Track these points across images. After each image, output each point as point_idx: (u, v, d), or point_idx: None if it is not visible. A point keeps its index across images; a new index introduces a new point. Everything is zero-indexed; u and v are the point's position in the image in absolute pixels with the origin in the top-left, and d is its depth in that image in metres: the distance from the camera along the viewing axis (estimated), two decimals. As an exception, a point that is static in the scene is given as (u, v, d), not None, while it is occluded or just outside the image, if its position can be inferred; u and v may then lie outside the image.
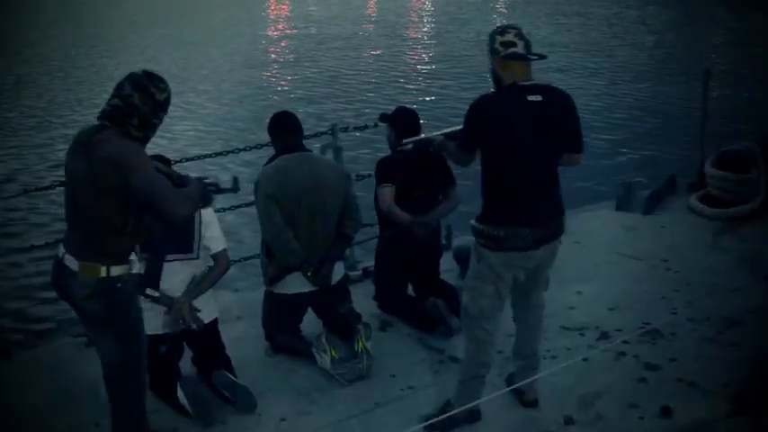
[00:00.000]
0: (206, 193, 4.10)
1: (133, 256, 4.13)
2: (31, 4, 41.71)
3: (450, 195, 6.15)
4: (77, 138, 3.91)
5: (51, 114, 18.00)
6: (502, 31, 4.38)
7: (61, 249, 4.01)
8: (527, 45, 4.33)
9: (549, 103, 4.29)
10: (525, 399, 4.96)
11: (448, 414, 4.37)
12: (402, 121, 6.15)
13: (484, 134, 4.31)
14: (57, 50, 27.28)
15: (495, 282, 4.47)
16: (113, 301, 3.96)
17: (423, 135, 5.24)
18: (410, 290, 6.41)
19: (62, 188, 4.26)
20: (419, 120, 6.16)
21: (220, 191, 4.27)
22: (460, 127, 4.50)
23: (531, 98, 4.24)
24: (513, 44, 4.30)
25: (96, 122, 3.91)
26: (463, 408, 4.41)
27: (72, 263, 3.92)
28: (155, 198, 3.73)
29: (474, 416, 4.76)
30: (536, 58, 4.35)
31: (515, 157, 4.28)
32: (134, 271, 4.10)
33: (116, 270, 3.92)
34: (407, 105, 6.48)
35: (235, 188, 4.35)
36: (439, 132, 4.93)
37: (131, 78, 3.93)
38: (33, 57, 25.98)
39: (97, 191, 3.77)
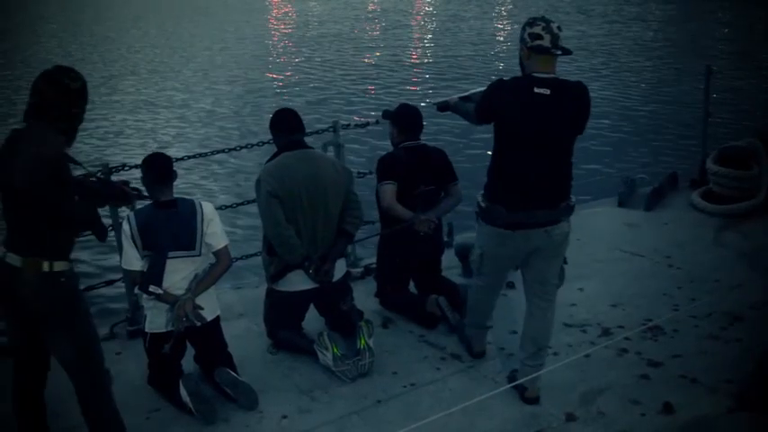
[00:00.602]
0: (120, 194, 4.36)
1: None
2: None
3: (452, 192, 6.15)
4: (6, 139, 3.99)
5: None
6: (532, 22, 4.50)
7: (2, 249, 4.05)
8: (554, 39, 4.43)
9: (558, 97, 4.43)
10: (527, 395, 4.98)
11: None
12: (404, 118, 6.15)
13: (494, 112, 4.59)
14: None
15: (482, 248, 4.92)
16: (58, 296, 4.02)
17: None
18: (412, 287, 6.41)
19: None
20: (421, 117, 6.16)
21: (142, 197, 4.62)
22: (478, 89, 4.87)
23: (537, 90, 4.41)
24: (539, 37, 4.43)
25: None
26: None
27: (13, 259, 3.97)
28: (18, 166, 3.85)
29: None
30: (560, 53, 4.46)
31: (511, 141, 4.57)
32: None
33: (59, 265, 3.99)
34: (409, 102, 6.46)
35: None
36: (458, 95, 5.20)
37: (44, 75, 4.02)
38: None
39: (27, 188, 3.85)
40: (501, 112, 4.53)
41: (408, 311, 6.17)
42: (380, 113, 6.38)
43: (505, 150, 4.61)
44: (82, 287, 6.59)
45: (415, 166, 5.97)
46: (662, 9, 35.70)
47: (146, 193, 4.72)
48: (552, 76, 4.46)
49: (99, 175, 4.61)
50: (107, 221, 6.13)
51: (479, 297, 5.30)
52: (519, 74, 4.60)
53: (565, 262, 5.01)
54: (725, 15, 32.58)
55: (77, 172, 4.31)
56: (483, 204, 4.74)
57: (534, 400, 4.96)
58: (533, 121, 4.45)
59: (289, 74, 22.64)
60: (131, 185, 4.59)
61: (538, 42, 4.42)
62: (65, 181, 3.91)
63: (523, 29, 4.50)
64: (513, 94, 4.50)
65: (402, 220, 5.94)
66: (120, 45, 29.35)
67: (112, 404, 4.36)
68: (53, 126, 3.95)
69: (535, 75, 4.45)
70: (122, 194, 4.62)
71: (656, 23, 31.57)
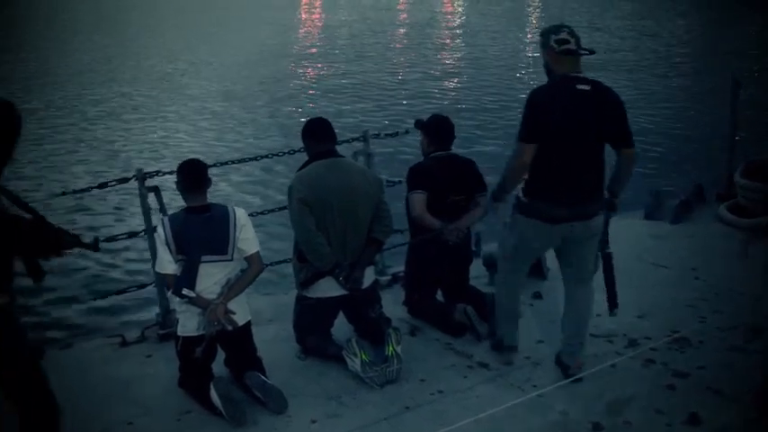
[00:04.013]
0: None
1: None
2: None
3: (481, 202, 6.20)
4: None
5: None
6: (556, 29, 4.93)
7: None
8: (577, 41, 4.87)
9: (597, 92, 4.87)
10: (570, 372, 5.26)
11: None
12: (436, 128, 6.22)
13: (541, 121, 4.82)
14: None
15: (518, 239, 5.22)
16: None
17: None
18: (439, 295, 6.47)
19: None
20: (453, 127, 6.23)
21: (80, 245, 4.08)
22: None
23: (580, 87, 4.82)
24: (566, 41, 4.86)
25: None
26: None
27: None
28: None
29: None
30: (586, 52, 4.88)
31: (556, 137, 4.81)
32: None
33: None
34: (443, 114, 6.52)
35: (94, 247, 4.17)
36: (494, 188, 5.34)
37: None
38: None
39: None
40: (547, 115, 4.78)
41: (436, 320, 6.22)
42: (414, 123, 6.44)
43: (548, 146, 4.83)
44: (115, 290, 6.75)
45: (444, 176, 6.04)
46: (678, 24, 35.49)
47: (84, 241, 4.13)
48: (583, 74, 4.84)
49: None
50: (140, 227, 6.25)
51: (508, 283, 5.53)
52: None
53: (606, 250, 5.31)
54: (749, 28, 32.37)
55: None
56: (524, 199, 5.05)
57: (577, 376, 5.18)
58: (578, 116, 4.80)
59: (320, 81, 22.78)
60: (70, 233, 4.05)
61: (566, 46, 4.84)
62: None
63: (547, 36, 4.91)
64: (557, 93, 4.85)
65: (431, 230, 6.00)
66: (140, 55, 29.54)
67: None
68: None
69: (572, 74, 4.83)
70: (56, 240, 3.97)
71: (672, 37, 31.39)
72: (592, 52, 4.89)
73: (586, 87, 4.81)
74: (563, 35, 4.86)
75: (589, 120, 4.81)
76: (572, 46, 4.84)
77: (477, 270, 6.82)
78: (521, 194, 5.07)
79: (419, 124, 6.33)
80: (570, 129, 4.79)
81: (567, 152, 4.85)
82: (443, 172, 6.04)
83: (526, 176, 5.00)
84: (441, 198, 6.05)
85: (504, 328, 5.66)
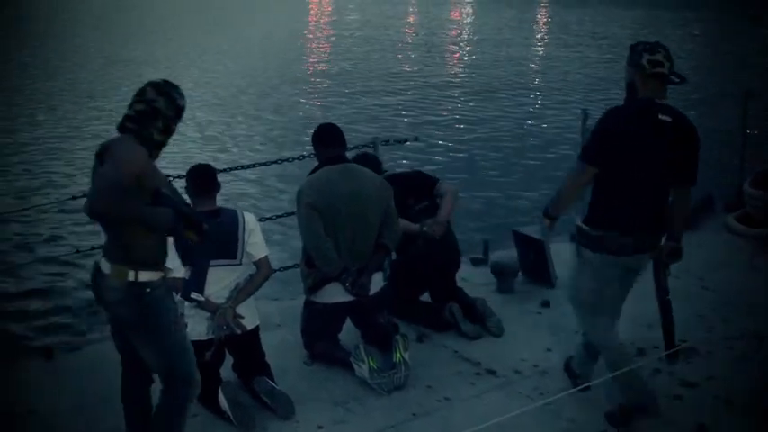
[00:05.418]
0: (169, 224, 3.97)
1: (172, 263, 4.18)
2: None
3: (443, 190, 6.30)
4: (99, 148, 4.02)
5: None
6: (652, 49, 4.53)
7: (101, 253, 4.13)
8: (671, 66, 4.51)
9: (677, 126, 4.53)
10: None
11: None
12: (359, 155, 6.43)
13: (614, 147, 4.50)
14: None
15: (596, 279, 4.74)
16: (142, 307, 4.03)
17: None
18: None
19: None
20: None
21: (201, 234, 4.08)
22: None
23: (662, 117, 4.47)
24: (660, 64, 4.48)
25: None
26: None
27: (105, 266, 4.03)
28: (94, 183, 3.87)
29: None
30: (678, 81, 4.54)
31: (633, 168, 4.52)
32: (173, 275, 4.20)
33: (145, 275, 4.00)
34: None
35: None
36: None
37: (154, 85, 4.10)
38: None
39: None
40: (621, 141, 4.50)
41: (423, 317, 6.31)
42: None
43: (617, 173, 4.56)
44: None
45: (397, 192, 5.93)
46: (682, 33, 35.53)
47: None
48: (667, 103, 4.54)
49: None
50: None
51: (609, 339, 4.95)
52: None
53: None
54: (749, 39, 32.38)
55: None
56: (593, 233, 4.66)
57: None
58: (653, 149, 4.51)
59: (329, 89, 22.84)
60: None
61: (659, 69, 4.47)
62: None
63: (639, 54, 4.52)
64: (635, 121, 4.51)
65: (413, 234, 6.05)
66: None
67: (181, 422, 4.33)
68: (148, 134, 3.99)
69: (657, 101, 4.50)
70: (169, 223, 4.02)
71: (679, 47, 31.43)
72: (683, 80, 4.56)
73: (668, 119, 4.48)
74: (658, 56, 4.49)
75: (663, 153, 4.52)
76: (665, 70, 4.48)
77: (484, 277, 6.83)
78: (588, 228, 4.70)
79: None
80: (643, 160, 4.51)
81: (636, 182, 4.55)
82: (396, 186, 5.94)
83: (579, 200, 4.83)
84: (408, 205, 6.14)
85: (633, 391, 4.94)
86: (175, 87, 4.16)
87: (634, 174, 4.53)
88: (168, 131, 4.09)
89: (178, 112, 4.13)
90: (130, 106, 4.07)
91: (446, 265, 6.38)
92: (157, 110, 4.02)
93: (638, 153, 4.50)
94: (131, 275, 3.96)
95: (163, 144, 4.11)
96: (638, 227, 4.62)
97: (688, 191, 4.76)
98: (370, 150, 7.15)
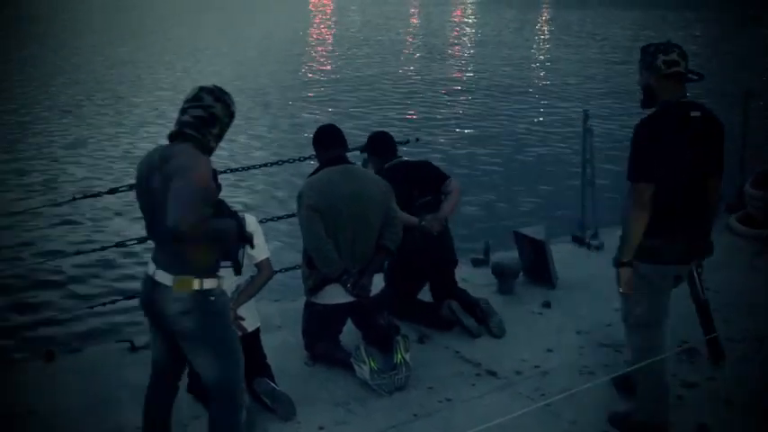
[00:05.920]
0: (235, 235, 4.06)
1: (222, 272, 4.14)
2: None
3: (450, 188, 6.28)
4: (153, 155, 3.97)
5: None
6: (666, 49, 4.45)
7: (152, 266, 4.02)
8: (686, 63, 4.44)
9: (706, 119, 4.46)
10: None
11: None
12: (375, 144, 6.38)
13: (661, 155, 4.35)
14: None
15: (650, 292, 4.58)
16: (208, 315, 3.99)
17: None
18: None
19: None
20: (392, 138, 6.38)
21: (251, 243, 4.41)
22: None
23: (693, 114, 4.40)
24: (676, 63, 4.40)
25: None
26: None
27: (164, 278, 3.93)
28: (175, 198, 3.67)
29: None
30: (696, 78, 4.47)
31: (676, 171, 4.38)
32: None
33: (208, 283, 3.95)
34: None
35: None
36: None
37: (209, 91, 4.03)
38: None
39: None
40: (665, 148, 4.36)
41: (422, 316, 6.30)
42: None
43: (665, 181, 4.35)
44: (122, 298, 6.79)
45: (405, 179, 6.08)
46: (685, 33, 35.53)
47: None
48: (691, 99, 4.47)
49: None
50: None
51: (658, 370, 4.73)
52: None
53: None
54: (749, 39, 32.40)
55: None
56: (646, 242, 4.45)
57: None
58: (692, 146, 4.39)
59: (330, 91, 22.85)
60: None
61: (675, 69, 4.39)
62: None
63: (653, 56, 4.43)
64: (671, 123, 4.40)
65: (412, 227, 6.03)
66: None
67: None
68: (205, 141, 3.96)
69: (684, 100, 4.43)
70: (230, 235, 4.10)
71: (690, 45, 31.45)
72: (701, 77, 4.46)
73: (698, 114, 4.39)
74: (673, 56, 4.39)
75: (699, 148, 4.40)
76: (681, 68, 4.39)
77: (485, 278, 6.83)
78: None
79: (362, 149, 6.43)
80: (686, 159, 4.37)
81: (680, 186, 4.40)
82: (402, 177, 6.07)
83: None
84: (411, 198, 6.10)
85: (653, 408, 4.81)
86: (228, 93, 4.10)
87: (677, 177, 4.39)
88: (221, 137, 4.05)
89: (231, 118, 4.09)
90: (184, 111, 3.99)
91: (441, 261, 6.37)
92: (215, 116, 3.97)
93: (683, 155, 4.37)
94: (196, 284, 3.91)
95: (213, 150, 4.05)
96: (683, 234, 4.50)
97: (719, 186, 4.62)
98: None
